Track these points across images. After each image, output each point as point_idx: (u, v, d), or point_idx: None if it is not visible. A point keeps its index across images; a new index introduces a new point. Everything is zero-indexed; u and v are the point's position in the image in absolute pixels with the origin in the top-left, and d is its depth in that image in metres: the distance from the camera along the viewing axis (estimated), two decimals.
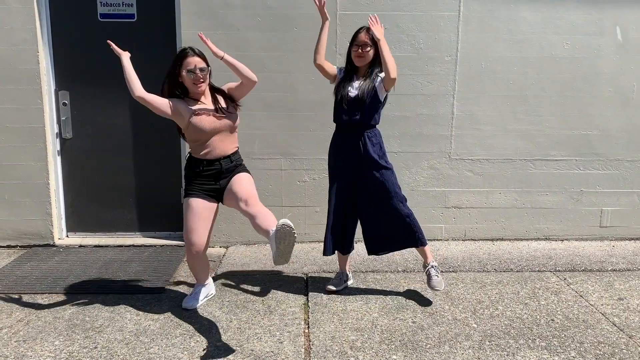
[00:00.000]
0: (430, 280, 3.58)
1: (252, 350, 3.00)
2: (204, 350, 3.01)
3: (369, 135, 3.55)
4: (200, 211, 3.34)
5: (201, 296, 3.59)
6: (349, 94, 3.50)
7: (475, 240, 4.95)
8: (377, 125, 3.62)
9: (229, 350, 3.00)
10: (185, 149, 4.66)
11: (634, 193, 4.94)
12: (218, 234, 4.79)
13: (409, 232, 3.62)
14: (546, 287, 3.91)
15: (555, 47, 4.68)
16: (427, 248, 3.67)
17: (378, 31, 3.40)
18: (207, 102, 3.37)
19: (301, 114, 4.66)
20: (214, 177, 3.38)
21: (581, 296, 3.75)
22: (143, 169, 4.84)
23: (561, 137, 4.82)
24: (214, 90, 3.42)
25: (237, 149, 3.49)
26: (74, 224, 4.92)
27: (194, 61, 3.23)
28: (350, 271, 3.96)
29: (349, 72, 3.59)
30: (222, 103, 3.37)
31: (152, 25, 4.62)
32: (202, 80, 3.26)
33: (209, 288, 3.69)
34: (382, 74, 3.47)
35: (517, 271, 4.22)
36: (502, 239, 4.97)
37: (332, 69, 3.64)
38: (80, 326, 3.28)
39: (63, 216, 4.87)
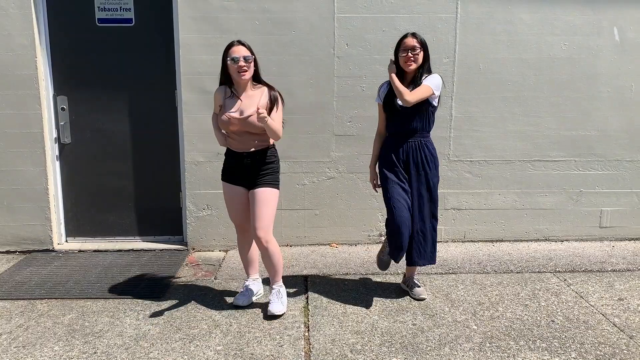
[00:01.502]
0: (413, 289, 3.75)
1: (252, 354, 3.00)
2: (203, 354, 3.00)
3: (426, 143, 3.56)
4: (230, 195, 3.53)
5: (251, 293, 3.70)
6: (399, 103, 3.45)
7: (474, 241, 4.95)
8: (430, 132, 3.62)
9: (228, 355, 3.00)
10: (186, 153, 4.66)
11: (633, 193, 4.94)
12: (217, 238, 4.79)
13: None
14: (546, 288, 3.90)
15: (553, 48, 4.69)
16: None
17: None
18: (247, 97, 3.39)
19: (299, 117, 4.66)
20: (240, 169, 3.46)
21: (581, 297, 3.75)
22: (142, 174, 4.83)
23: (560, 137, 4.82)
24: (268, 91, 3.44)
25: (265, 146, 3.45)
26: (73, 229, 4.92)
27: (239, 50, 3.31)
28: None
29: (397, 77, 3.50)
30: (251, 109, 3.33)
31: (150, 29, 4.62)
32: (245, 69, 3.31)
33: (258, 285, 3.78)
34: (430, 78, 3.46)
35: (517, 272, 4.22)
36: (501, 240, 4.96)
37: (380, 109, 3.64)
38: (80, 331, 3.27)
39: (62, 221, 4.87)
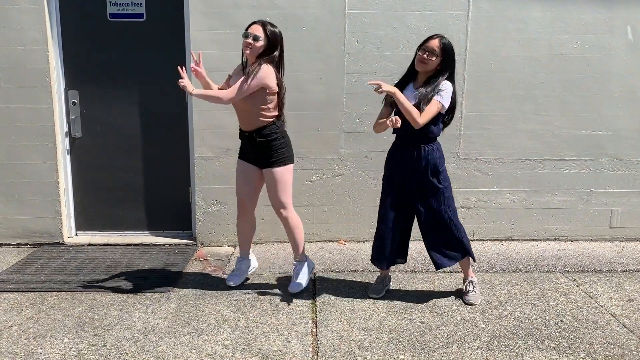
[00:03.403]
0: (465, 295, 3.69)
1: (260, 349, 3.01)
2: (212, 348, 3.02)
3: (426, 149, 3.46)
4: (242, 171, 3.71)
5: (242, 272, 3.88)
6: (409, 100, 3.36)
7: (483, 240, 4.93)
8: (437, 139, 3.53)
9: (236, 349, 3.01)
10: (195, 148, 4.67)
11: None
12: (226, 233, 4.80)
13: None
14: (555, 287, 3.89)
15: (565, 47, 4.65)
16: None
17: (386, 87, 3.23)
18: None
19: (309, 113, 4.66)
20: (248, 147, 3.65)
21: (591, 297, 3.73)
22: (152, 168, 4.85)
23: (571, 137, 4.79)
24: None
25: (265, 124, 3.52)
26: (83, 222, 4.95)
27: (253, 27, 3.45)
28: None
29: (406, 78, 3.47)
30: (246, 84, 3.40)
31: (160, 24, 4.63)
32: (249, 46, 3.43)
33: (252, 262, 3.96)
34: (444, 88, 3.35)
35: (526, 272, 4.20)
36: (510, 239, 4.94)
37: (385, 109, 3.56)
38: (89, 324, 3.30)
39: (72, 215, 4.90)
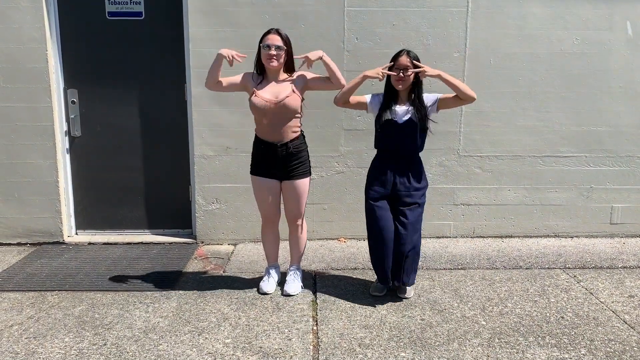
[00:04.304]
0: (400, 290, 3.68)
1: (261, 347, 3.01)
2: (212, 347, 3.02)
3: (416, 161, 3.54)
4: (264, 188, 3.60)
5: (274, 279, 3.80)
6: (397, 120, 3.44)
7: (484, 237, 4.93)
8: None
9: (237, 347, 3.01)
10: (195, 147, 4.67)
11: None
12: (226, 232, 4.80)
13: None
14: (556, 284, 3.88)
15: (565, 43, 4.64)
16: None
17: (430, 70, 3.34)
18: (279, 83, 3.50)
19: (309, 111, 4.60)
20: (272, 160, 3.53)
21: (591, 293, 3.73)
22: (152, 167, 4.85)
23: (571, 133, 4.78)
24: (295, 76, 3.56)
25: (296, 135, 3.54)
26: (83, 221, 4.94)
27: (273, 38, 3.41)
28: None
29: (388, 97, 3.50)
30: (285, 92, 3.45)
31: (159, 23, 4.63)
32: (274, 57, 3.40)
33: (279, 272, 3.90)
34: (433, 98, 3.49)
35: (527, 268, 4.20)
36: (511, 236, 4.94)
37: (362, 98, 3.56)
38: (90, 323, 3.30)
39: (72, 214, 4.90)
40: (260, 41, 3.45)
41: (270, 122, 3.46)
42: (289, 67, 3.53)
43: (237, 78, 3.53)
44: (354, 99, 3.53)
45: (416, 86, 3.46)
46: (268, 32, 3.45)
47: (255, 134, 3.59)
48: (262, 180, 3.58)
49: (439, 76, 3.34)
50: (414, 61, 3.35)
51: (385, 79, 3.47)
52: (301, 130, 3.61)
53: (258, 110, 3.45)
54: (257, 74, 3.54)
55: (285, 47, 3.43)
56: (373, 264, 3.61)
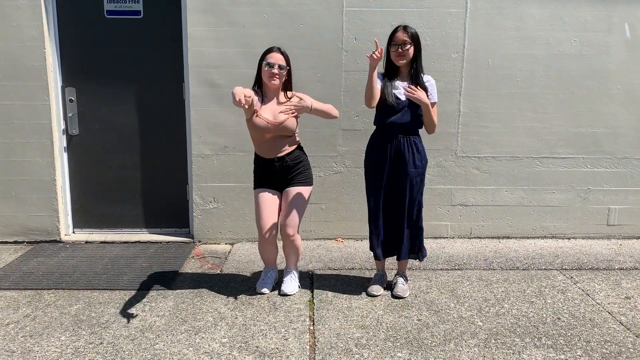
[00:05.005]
0: (396, 287, 3.69)
1: (257, 347, 3.01)
2: (209, 346, 3.02)
3: (415, 141, 3.54)
4: (265, 202, 3.60)
5: (272, 279, 3.81)
6: (399, 96, 3.46)
7: (481, 238, 4.93)
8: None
9: (234, 347, 3.01)
10: (193, 146, 4.66)
11: None
12: (223, 231, 4.80)
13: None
14: (552, 285, 3.89)
15: (563, 44, 4.65)
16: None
17: (421, 96, 3.37)
18: (280, 104, 3.53)
19: None
20: (272, 173, 3.59)
21: (588, 295, 3.74)
22: (149, 166, 4.85)
23: (568, 134, 4.79)
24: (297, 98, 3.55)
25: (293, 148, 3.60)
26: (81, 220, 4.94)
27: (276, 57, 3.46)
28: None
29: (390, 73, 3.52)
30: (282, 116, 3.47)
31: (158, 22, 4.62)
32: (276, 76, 3.45)
33: (277, 273, 3.91)
34: (429, 86, 3.50)
35: (524, 269, 4.21)
36: (508, 237, 4.95)
37: (378, 85, 3.49)
38: (87, 322, 3.29)
39: (69, 212, 4.89)
40: (262, 58, 3.47)
41: (267, 140, 3.52)
42: (287, 86, 3.58)
43: (252, 95, 3.44)
44: (377, 92, 3.47)
45: (415, 61, 3.46)
46: (270, 50, 3.48)
47: (255, 152, 3.64)
48: (265, 193, 3.60)
49: (427, 106, 3.41)
50: (410, 87, 3.37)
51: (384, 57, 3.48)
52: (298, 142, 3.66)
53: (257, 129, 3.48)
54: (257, 91, 3.55)
55: (287, 67, 3.49)
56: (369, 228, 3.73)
